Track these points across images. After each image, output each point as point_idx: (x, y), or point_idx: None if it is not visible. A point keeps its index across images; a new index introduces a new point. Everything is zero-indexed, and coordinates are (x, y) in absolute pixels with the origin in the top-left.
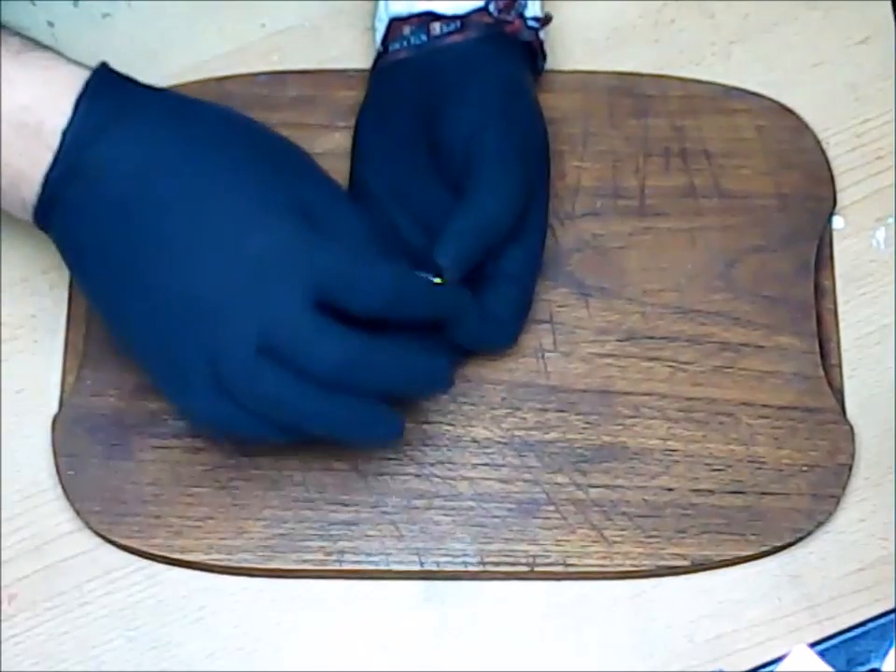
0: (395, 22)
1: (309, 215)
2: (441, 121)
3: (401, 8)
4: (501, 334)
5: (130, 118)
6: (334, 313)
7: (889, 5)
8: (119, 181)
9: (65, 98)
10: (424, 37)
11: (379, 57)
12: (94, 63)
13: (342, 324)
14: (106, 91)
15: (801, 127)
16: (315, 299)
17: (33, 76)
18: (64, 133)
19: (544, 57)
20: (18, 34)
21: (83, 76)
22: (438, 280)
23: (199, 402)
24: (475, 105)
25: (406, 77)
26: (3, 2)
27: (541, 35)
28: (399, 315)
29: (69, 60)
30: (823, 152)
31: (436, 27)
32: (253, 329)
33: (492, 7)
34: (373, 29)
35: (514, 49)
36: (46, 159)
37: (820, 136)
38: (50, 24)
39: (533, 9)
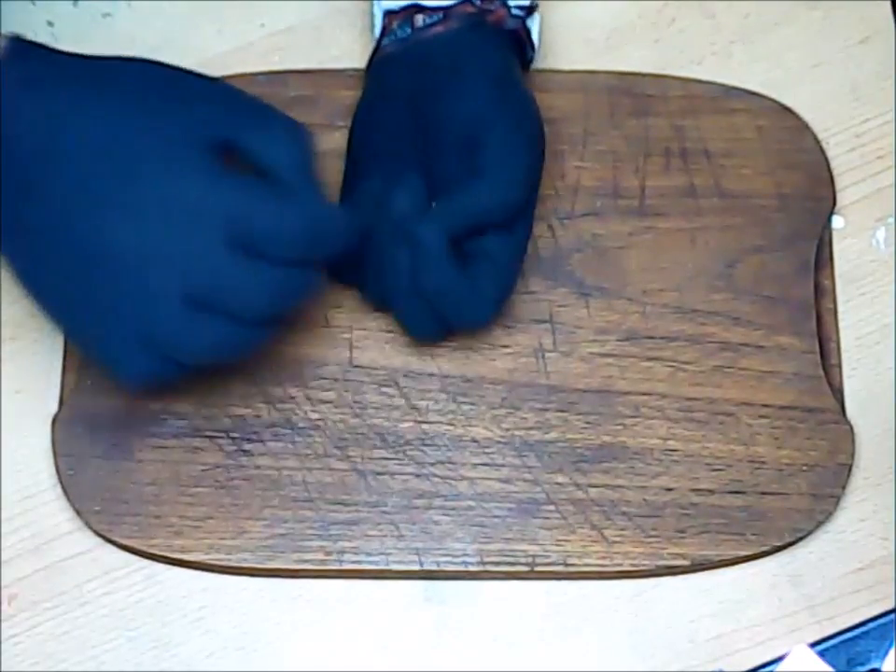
0: (388, 17)
1: (227, 152)
2: (433, 113)
3: (392, 3)
4: (477, 311)
5: (38, 81)
6: (255, 250)
7: (888, 5)
8: (29, 144)
9: None
10: (408, 30)
11: (374, 53)
12: None
13: (263, 261)
14: (17, 60)
15: (801, 127)
16: (231, 240)
17: None
18: None
19: (533, 47)
20: None
21: None
22: None
23: (129, 361)
24: (467, 95)
25: (395, 72)
26: (3, 2)
27: (529, 24)
28: (316, 253)
29: None
30: (823, 152)
31: (419, 19)
32: (176, 281)
33: None
34: (372, 26)
35: (499, 39)
36: None
37: (820, 136)
38: (50, 24)
39: None
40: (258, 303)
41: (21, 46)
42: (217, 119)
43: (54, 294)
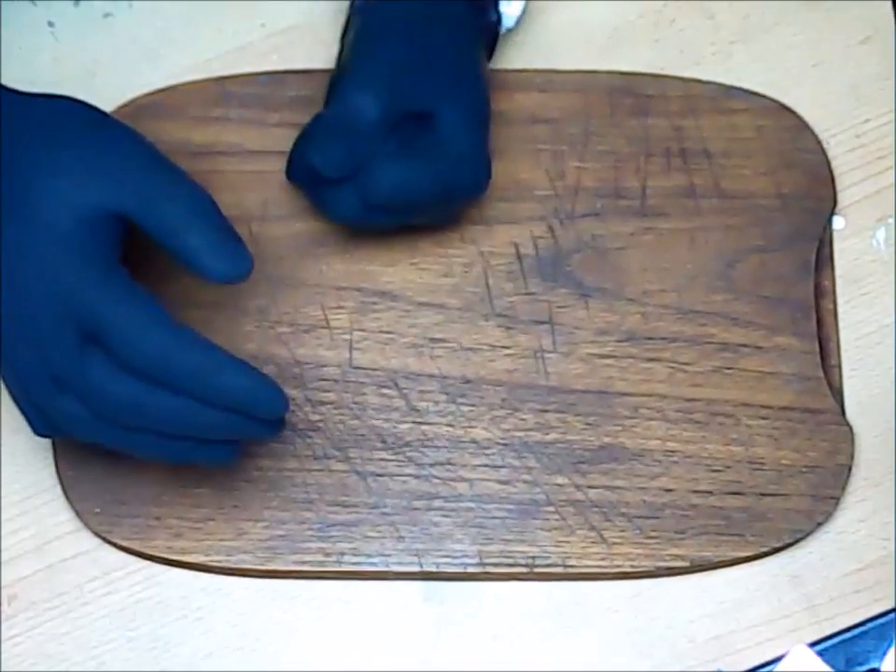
0: None
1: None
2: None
3: None
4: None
5: None
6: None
7: (888, 5)
8: None
9: None
10: None
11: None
12: (95, 63)
13: (113, 361)
14: None
15: (801, 127)
16: (84, 335)
17: None
18: None
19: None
20: None
21: None
22: None
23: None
24: None
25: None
26: (3, 2)
27: None
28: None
29: None
30: (823, 152)
31: None
32: (38, 355)
33: None
34: None
35: None
36: None
37: (820, 136)
38: (51, 24)
39: None
40: (104, 399)
41: None
42: (114, 196)
43: None
